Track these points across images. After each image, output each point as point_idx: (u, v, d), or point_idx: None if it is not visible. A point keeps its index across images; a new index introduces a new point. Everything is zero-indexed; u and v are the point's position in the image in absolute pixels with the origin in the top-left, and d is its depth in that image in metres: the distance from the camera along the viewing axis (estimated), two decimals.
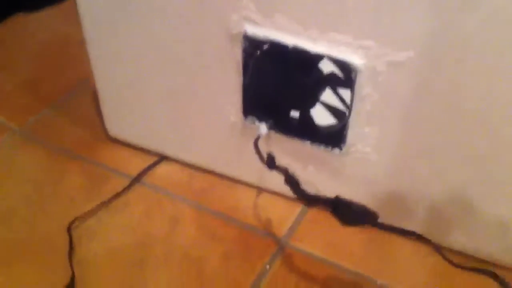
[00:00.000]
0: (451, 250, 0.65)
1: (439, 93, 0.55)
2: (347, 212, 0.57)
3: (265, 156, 0.62)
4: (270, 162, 0.62)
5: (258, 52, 0.60)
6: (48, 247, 0.65)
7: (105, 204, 0.70)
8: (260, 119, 0.66)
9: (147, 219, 0.69)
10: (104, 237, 0.67)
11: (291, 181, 0.60)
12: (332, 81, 0.60)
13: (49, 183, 0.74)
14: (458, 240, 0.65)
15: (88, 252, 0.65)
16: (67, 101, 0.88)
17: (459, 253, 0.65)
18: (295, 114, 0.65)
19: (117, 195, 0.72)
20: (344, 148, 0.63)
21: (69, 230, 0.66)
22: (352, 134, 0.62)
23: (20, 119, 0.84)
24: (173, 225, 0.69)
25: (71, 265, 0.62)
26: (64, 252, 0.64)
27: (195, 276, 0.63)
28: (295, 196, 0.60)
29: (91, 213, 0.69)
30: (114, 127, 0.79)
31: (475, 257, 0.65)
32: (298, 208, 0.72)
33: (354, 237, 0.68)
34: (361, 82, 0.57)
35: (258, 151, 0.63)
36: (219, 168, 0.75)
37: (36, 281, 0.62)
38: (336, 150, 0.64)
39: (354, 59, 0.56)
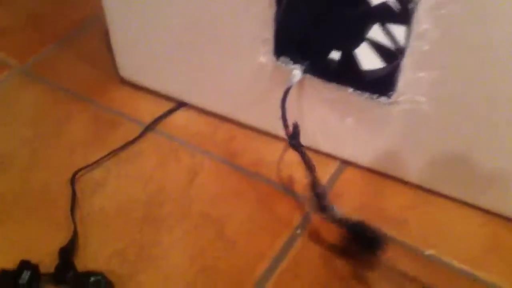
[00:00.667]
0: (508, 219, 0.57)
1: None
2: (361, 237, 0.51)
3: (290, 124, 0.54)
4: (293, 138, 0.53)
5: None
6: (49, 200, 0.58)
7: (114, 153, 0.63)
8: (295, 61, 0.56)
9: (161, 171, 0.61)
10: (112, 190, 0.59)
11: (315, 187, 0.52)
12: (383, 15, 0.50)
13: (51, 127, 0.66)
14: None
15: (93, 206, 0.57)
16: (74, 38, 0.79)
17: None
18: (335, 55, 0.55)
19: (128, 143, 0.64)
20: (393, 97, 0.54)
21: (72, 181, 0.59)
22: (403, 79, 0.52)
23: (22, 56, 0.76)
24: (191, 178, 0.61)
25: (73, 221, 0.55)
26: (66, 206, 0.56)
27: (214, 237, 0.55)
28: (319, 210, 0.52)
29: (98, 163, 0.61)
30: (126, 67, 0.71)
31: None
32: (333, 165, 0.63)
33: (396, 199, 0.59)
34: (419, 15, 0.47)
35: (283, 114, 0.54)
36: (243, 117, 0.66)
37: (34, 238, 0.54)
38: (383, 99, 0.54)
39: None
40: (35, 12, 0.84)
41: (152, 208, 0.57)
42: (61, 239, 0.53)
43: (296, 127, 0.54)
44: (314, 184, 0.52)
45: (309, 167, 0.53)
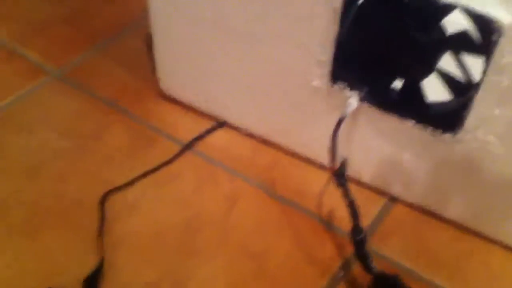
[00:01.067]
0: None
1: None
2: None
3: (339, 159, 0.50)
4: (341, 174, 0.49)
5: None
6: (79, 219, 0.54)
7: (150, 173, 0.59)
8: (352, 87, 0.52)
9: (199, 196, 0.57)
10: (145, 213, 0.55)
11: (361, 250, 0.47)
12: (460, 44, 0.45)
13: (86, 138, 0.63)
14: None
15: (124, 231, 0.53)
16: (115, 43, 0.76)
17: None
18: (398, 83, 0.50)
19: (164, 163, 0.60)
20: (460, 134, 0.49)
21: (102, 202, 0.55)
22: (473, 116, 0.47)
23: (59, 60, 0.73)
24: (230, 206, 0.56)
25: (101, 247, 0.51)
26: (96, 227, 0.53)
27: (254, 271, 0.51)
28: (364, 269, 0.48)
29: (132, 182, 0.58)
30: (168, 81, 0.67)
31: None
32: (380, 201, 0.58)
33: (449, 244, 0.54)
34: (504, 46, 0.42)
35: (333, 146, 0.50)
36: (288, 142, 0.62)
37: (60, 261, 0.51)
38: (448, 136, 0.49)
39: (501, 14, 0.41)
40: (75, 10, 0.82)
41: (188, 236, 0.53)
42: (89, 265, 0.49)
43: (343, 164, 0.50)
44: (354, 230, 0.48)
45: (352, 212, 0.48)
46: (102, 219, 0.53)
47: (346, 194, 0.49)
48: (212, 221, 0.55)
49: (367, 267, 0.48)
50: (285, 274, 0.51)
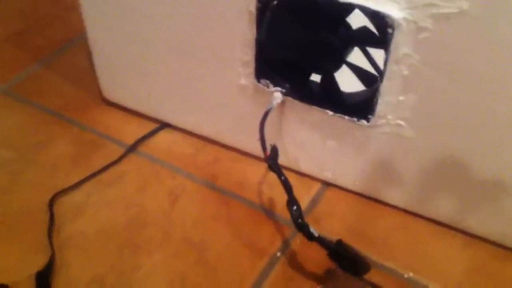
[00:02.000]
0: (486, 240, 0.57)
1: (496, 55, 0.45)
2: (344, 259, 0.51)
3: (269, 147, 0.54)
4: (271, 159, 0.53)
5: (276, 1, 0.50)
6: (28, 223, 0.57)
7: (94, 175, 0.62)
8: (275, 84, 0.56)
9: (143, 195, 0.61)
10: (92, 214, 0.59)
11: (292, 204, 0.52)
12: (363, 39, 0.50)
13: (32, 148, 0.65)
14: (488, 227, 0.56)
15: (72, 230, 0.57)
16: (57, 57, 0.79)
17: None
18: (316, 78, 0.55)
19: (109, 165, 0.63)
20: (372, 120, 0.54)
21: (51, 204, 0.58)
22: (383, 103, 0.53)
23: (4, 75, 0.76)
24: (173, 201, 0.60)
25: (51, 245, 0.54)
26: (45, 230, 0.56)
27: (195, 262, 0.55)
28: (295, 227, 0.52)
29: (79, 185, 0.61)
30: (109, 89, 0.70)
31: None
32: (315, 186, 0.63)
33: (378, 222, 0.59)
34: (398, 40, 0.48)
35: (262, 137, 0.54)
36: (225, 139, 0.66)
37: (12, 261, 0.54)
38: (363, 122, 0.54)
39: (392, 10, 0.46)
40: (18, 30, 0.84)
41: (133, 233, 0.57)
42: (40, 264, 0.53)
43: (274, 149, 0.54)
44: (290, 203, 0.52)
45: (286, 188, 0.52)
46: (51, 220, 0.56)
47: (279, 173, 0.53)
48: (156, 217, 0.59)
49: (308, 234, 0.51)
50: (225, 260, 0.55)
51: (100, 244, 0.56)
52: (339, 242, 0.51)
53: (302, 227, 0.51)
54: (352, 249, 0.51)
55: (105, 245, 0.56)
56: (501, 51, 0.44)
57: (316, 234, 0.51)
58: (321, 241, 0.51)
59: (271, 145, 0.54)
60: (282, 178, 0.53)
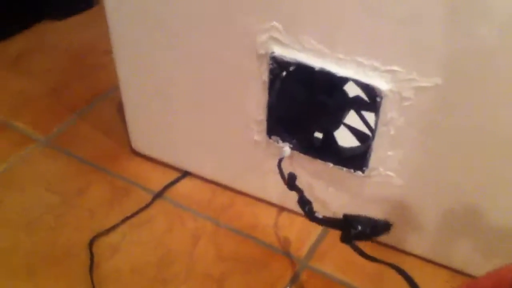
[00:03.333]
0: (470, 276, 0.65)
1: (466, 119, 0.54)
2: (357, 226, 0.56)
3: (286, 176, 0.63)
4: (290, 182, 0.62)
5: (285, 72, 0.60)
6: (71, 261, 0.66)
7: (128, 218, 0.71)
8: (284, 139, 0.66)
9: (169, 236, 0.70)
10: (126, 253, 0.67)
11: (303, 202, 0.60)
12: (357, 104, 0.60)
13: (73, 194, 0.75)
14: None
15: (110, 268, 0.65)
16: (90, 111, 0.90)
17: None
18: (318, 135, 0.64)
19: (140, 210, 0.72)
20: (367, 171, 0.63)
21: (91, 245, 0.67)
22: (375, 157, 0.62)
23: (45, 128, 0.85)
24: (195, 242, 0.69)
25: (92, 281, 0.63)
26: (86, 267, 0.65)
27: None
28: (306, 217, 0.60)
29: (114, 228, 0.70)
30: (139, 141, 0.80)
31: None
32: (319, 228, 0.72)
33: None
34: (386, 106, 0.57)
35: (281, 172, 0.63)
36: (241, 186, 0.76)
37: None
38: (358, 173, 0.63)
39: (380, 83, 0.56)
40: (56, 85, 0.95)
41: (161, 269, 0.66)
42: None
43: (290, 176, 0.62)
44: (300, 198, 0.60)
45: (299, 191, 0.61)
46: (91, 259, 0.65)
47: (297, 190, 0.61)
48: (180, 255, 0.67)
49: (315, 219, 0.59)
50: None
51: (134, 280, 0.64)
52: (345, 216, 0.56)
53: (311, 214, 0.59)
54: (361, 217, 0.57)
55: (138, 280, 0.64)
56: (468, 114, 0.54)
57: (320, 216, 0.58)
58: (329, 221, 0.58)
59: (288, 173, 0.63)
60: (300, 192, 0.61)
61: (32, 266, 0.65)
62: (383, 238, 0.69)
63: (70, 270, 0.65)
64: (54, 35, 1.08)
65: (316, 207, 0.71)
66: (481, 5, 0.47)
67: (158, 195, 0.75)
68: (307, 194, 0.70)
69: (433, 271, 0.67)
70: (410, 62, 0.53)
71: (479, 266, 0.64)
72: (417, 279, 0.65)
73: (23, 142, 0.83)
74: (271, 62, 0.60)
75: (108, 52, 0.72)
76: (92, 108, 0.90)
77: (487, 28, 0.48)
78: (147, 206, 0.73)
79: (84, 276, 0.64)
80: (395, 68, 0.54)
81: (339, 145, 0.64)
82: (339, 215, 0.69)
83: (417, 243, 0.67)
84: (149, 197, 0.74)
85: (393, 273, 0.66)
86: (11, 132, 0.85)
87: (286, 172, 0.63)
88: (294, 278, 0.65)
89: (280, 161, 0.64)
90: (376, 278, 0.65)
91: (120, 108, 0.79)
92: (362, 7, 0.52)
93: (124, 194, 0.75)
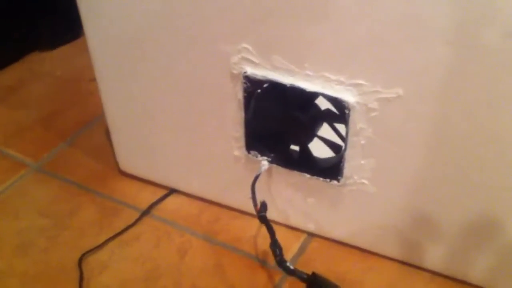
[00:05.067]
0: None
1: (430, 126, 0.58)
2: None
3: (259, 203, 0.65)
4: (262, 212, 0.65)
5: (258, 90, 0.64)
6: (62, 279, 0.69)
7: (116, 236, 0.74)
8: (262, 154, 0.69)
9: (157, 251, 0.72)
10: (115, 269, 0.70)
11: (275, 247, 0.63)
12: (328, 117, 0.63)
13: (63, 216, 0.78)
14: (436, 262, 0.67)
15: (99, 284, 0.68)
16: (80, 137, 0.93)
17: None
18: (295, 148, 0.68)
19: (128, 227, 0.75)
20: (342, 180, 0.66)
21: (80, 263, 0.70)
22: (348, 166, 0.65)
23: (36, 155, 0.89)
24: (182, 256, 0.72)
25: None
26: (77, 284, 0.67)
27: None
28: (277, 264, 0.63)
29: (103, 245, 0.73)
30: (125, 162, 0.83)
31: None
32: (302, 236, 0.74)
33: (354, 264, 0.70)
34: (354, 118, 0.61)
35: (253, 195, 0.66)
36: (225, 200, 0.78)
37: None
38: (334, 182, 0.66)
39: (347, 96, 0.59)
40: (46, 114, 0.98)
41: (149, 284, 0.68)
42: None
43: (263, 204, 0.66)
44: (273, 244, 0.63)
45: (270, 232, 0.64)
46: (81, 276, 0.68)
47: (267, 224, 0.64)
48: (168, 270, 0.70)
49: (286, 269, 0.62)
50: None
51: None
52: (314, 274, 0.61)
53: (281, 263, 0.62)
54: (326, 280, 0.61)
55: None
56: (426, 123, 0.57)
57: (292, 267, 0.61)
58: (298, 273, 0.61)
59: (261, 201, 0.66)
60: (268, 225, 0.64)
61: (26, 284, 0.68)
62: (361, 240, 0.72)
63: (62, 287, 0.67)
64: (43, 66, 1.12)
65: (296, 218, 0.75)
66: (431, 24, 0.51)
67: (145, 212, 0.78)
68: (288, 206, 0.73)
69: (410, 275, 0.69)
70: (373, 75, 0.57)
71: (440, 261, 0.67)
72: (398, 281, 0.68)
73: (15, 168, 0.86)
74: (244, 81, 0.63)
75: (94, 79, 0.75)
76: (81, 134, 0.93)
77: (440, 45, 0.52)
78: (134, 223, 0.76)
79: None
80: (360, 81, 0.58)
81: (315, 157, 0.67)
82: (320, 229, 0.73)
83: (393, 247, 0.70)
84: (136, 215, 0.77)
85: (372, 278, 0.69)
86: (4, 160, 0.88)
87: (264, 189, 0.66)
88: (277, 286, 0.68)
89: (254, 180, 0.67)
90: (354, 283, 0.68)
91: (108, 133, 0.82)
92: (325, 29, 0.56)
93: (113, 213, 0.78)
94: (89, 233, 0.75)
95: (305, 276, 0.61)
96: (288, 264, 0.61)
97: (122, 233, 0.74)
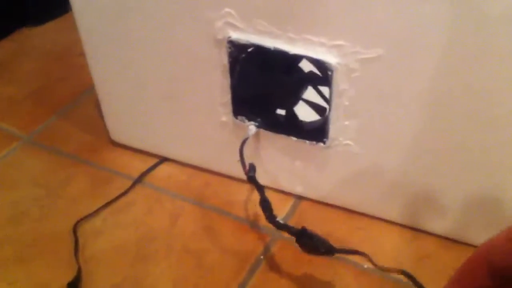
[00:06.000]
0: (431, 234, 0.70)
1: (412, 85, 0.59)
2: (309, 242, 0.62)
3: (247, 165, 0.66)
4: (251, 174, 0.66)
5: (243, 55, 0.65)
6: (57, 246, 0.70)
7: (109, 204, 0.76)
8: (249, 119, 0.70)
9: (149, 217, 0.74)
10: (109, 235, 0.72)
11: (264, 204, 0.64)
12: (312, 80, 0.64)
13: (57, 187, 0.79)
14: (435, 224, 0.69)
15: (94, 249, 0.70)
16: (71, 109, 0.94)
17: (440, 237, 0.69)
18: (281, 112, 0.69)
19: (120, 195, 0.77)
20: (327, 142, 0.67)
21: (75, 229, 0.71)
22: (333, 128, 0.66)
23: (28, 128, 0.90)
24: (174, 221, 0.74)
25: (77, 262, 0.67)
26: (72, 250, 0.69)
27: (194, 267, 0.68)
28: (266, 220, 0.64)
29: (97, 212, 0.74)
30: (116, 132, 0.84)
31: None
32: (290, 200, 0.76)
33: (342, 224, 0.72)
34: (337, 79, 0.62)
35: (242, 158, 0.67)
36: (214, 167, 0.80)
37: (47, 276, 0.67)
38: (320, 144, 0.68)
39: (329, 58, 0.60)
40: (37, 88, 0.99)
41: (142, 247, 0.70)
42: (70, 277, 0.66)
43: (251, 165, 0.67)
44: (262, 202, 0.64)
45: (259, 190, 0.65)
46: (76, 242, 0.70)
47: (256, 183, 0.65)
48: (160, 234, 0.72)
49: (276, 223, 0.63)
50: (218, 264, 0.68)
51: (117, 258, 0.69)
52: (303, 228, 0.62)
53: (271, 219, 0.63)
54: (315, 234, 0.62)
55: (121, 258, 0.69)
56: (408, 83, 0.59)
57: (282, 222, 0.63)
58: (287, 228, 0.63)
59: (249, 163, 0.67)
60: (258, 184, 0.65)
61: (21, 254, 0.70)
62: (349, 201, 0.74)
63: (57, 254, 0.69)
64: (33, 41, 1.13)
65: (285, 182, 0.76)
66: None
67: (138, 180, 0.79)
68: (277, 170, 0.75)
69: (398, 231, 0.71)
70: (354, 36, 0.58)
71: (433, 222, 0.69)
72: (384, 239, 0.70)
73: (8, 141, 0.87)
74: (229, 45, 0.64)
75: (83, 53, 0.76)
76: (72, 107, 0.94)
77: (423, 2, 0.53)
78: (127, 191, 0.77)
79: (71, 259, 0.68)
80: (340, 42, 0.59)
81: (300, 120, 0.68)
82: (309, 191, 0.75)
83: (384, 207, 0.72)
84: (128, 183, 0.78)
85: (359, 237, 0.71)
86: None
87: (252, 154, 0.67)
88: (267, 249, 0.70)
89: (242, 144, 0.68)
90: (342, 242, 0.70)
91: (98, 105, 0.83)
92: None
93: (105, 182, 0.79)
94: (83, 202, 0.76)
95: (294, 230, 0.62)
96: (278, 219, 0.63)
97: (115, 201, 0.76)
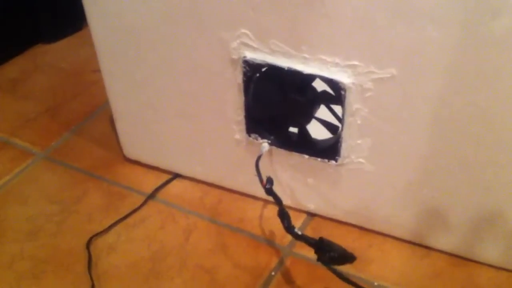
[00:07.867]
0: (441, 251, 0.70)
1: (424, 104, 0.60)
2: (328, 252, 0.62)
3: (264, 178, 0.67)
4: (268, 186, 0.66)
5: (257, 74, 0.66)
6: (71, 262, 0.71)
7: (122, 220, 0.77)
8: (262, 136, 0.71)
9: (162, 233, 0.75)
10: (123, 251, 0.72)
11: (283, 214, 0.65)
12: (325, 99, 0.66)
13: (71, 202, 0.80)
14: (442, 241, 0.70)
15: (107, 265, 0.71)
16: (85, 126, 0.95)
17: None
18: (293, 130, 0.70)
19: (134, 211, 0.78)
20: (339, 160, 0.68)
21: (88, 245, 0.72)
22: (346, 146, 0.67)
23: (43, 144, 0.91)
24: (187, 237, 0.74)
25: (90, 278, 0.68)
26: (86, 266, 0.70)
27: (208, 283, 0.68)
28: (285, 230, 0.64)
29: (110, 228, 0.75)
30: (130, 149, 0.86)
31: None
32: (302, 217, 0.77)
33: (356, 242, 0.73)
34: (350, 98, 0.63)
35: (258, 172, 0.67)
36: (227, 183, 0.81)
37: None
38: (332, 162, 0.69)
39: (343, 78, 0.61)
40: (52, 105, 1.01)
41: (156, 264, 0.71)
42: None
43: (269, 179, 0.67)
44: (279, 211, 0.65)
45: (278, 201, 0.65)
46: (89, 258, 0.70)
47: (275, 197, 0.66)
48: (174, 250, 0.72)
49: (295, 235, 0.63)
50: (231, 280, 0.68)
51: (130, 274, 0.69)
52: (321, 239, 0.63)
53: (290, 229, 0.63)
54: (333, 243, 0.63)
55: (134, 275, 0.69)
56: (421, 102, 0.59)
57: (299, 233, 0.63)
58: (305, 238, 0.63)
59: (267, 176, 0.67)
60: (276, 196, 0.65)
61: (37, 269, 0.71)
62: (361, 219, 0.74)
63: (71, 270, 0.70)
64: (47, 57, 1.15)
65: (297, 199, 0.77)
66: (422, 6, 0.53)
67: (150, 196, 0.80)
68: (289, 187, 0.76)
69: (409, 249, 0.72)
70: (367, 56, 0.59)
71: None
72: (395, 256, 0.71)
73: (23, 157, 0.89)
74: (244, 65, 0.65)
75: (98, 70, 0.77)
76: (86, 123, 0.96)
77: (430, 24, 0.54)
78: (140, 207, 0.78)
79: (85, 275, 0.69)
80: (354, 62, 0.60)
81: (313, 138, 0.69)
82: (320, 208, 0.75)
83: (395, 224, 0.72)
84: (142, 199, 0.79)
85: (371, 254, 0.71)
86: (12, 149, 0.91)
87: (265, 171, 0.68)
88: (279, 265, 0.70)
89: (258, 159, 0.69)
90: (360, 262, 0.70)
91: (112, 121, 0.85)
92: (320, 13, 0.58)
93: (119, 198, 0.80)
94: (96, 218, 0.77)
95: (313, 241, 0.62)
96: (296, 230, 0.63)
97: (128, 217, 0.77)
